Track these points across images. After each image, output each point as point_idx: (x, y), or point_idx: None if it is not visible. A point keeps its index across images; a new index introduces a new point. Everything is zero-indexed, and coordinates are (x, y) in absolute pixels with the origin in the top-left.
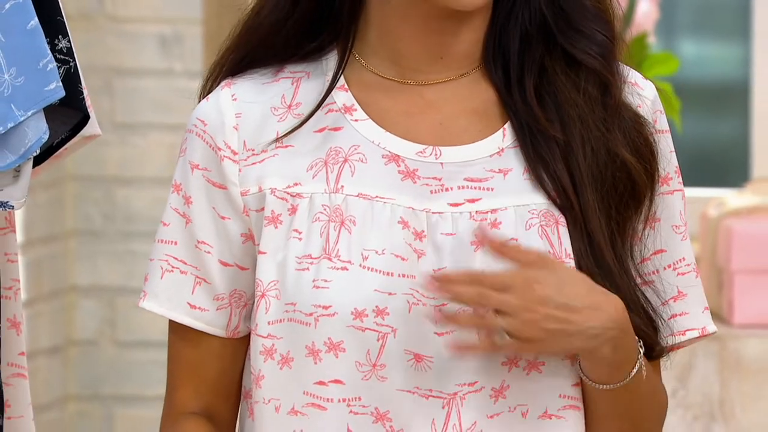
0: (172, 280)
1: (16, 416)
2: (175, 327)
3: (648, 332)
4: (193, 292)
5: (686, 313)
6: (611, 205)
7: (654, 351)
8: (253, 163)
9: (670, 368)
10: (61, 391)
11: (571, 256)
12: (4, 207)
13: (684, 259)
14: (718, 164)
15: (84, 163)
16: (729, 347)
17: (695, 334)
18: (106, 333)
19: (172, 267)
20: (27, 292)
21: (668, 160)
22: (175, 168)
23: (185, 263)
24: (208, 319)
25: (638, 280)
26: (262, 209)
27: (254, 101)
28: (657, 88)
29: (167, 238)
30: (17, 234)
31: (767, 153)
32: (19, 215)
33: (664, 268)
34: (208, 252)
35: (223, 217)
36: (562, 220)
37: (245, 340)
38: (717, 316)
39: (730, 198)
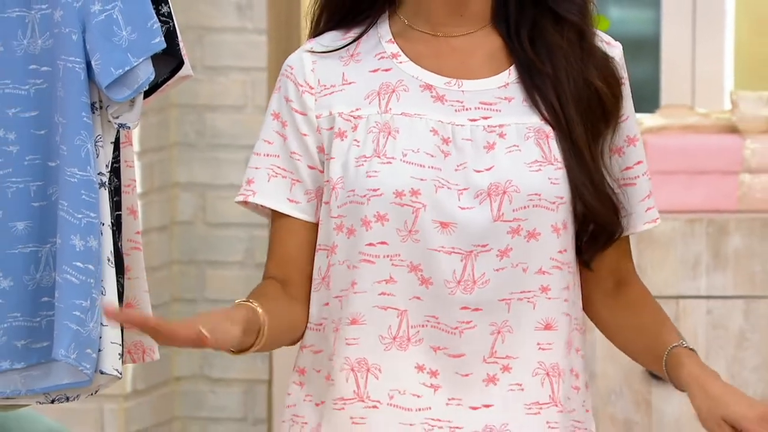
0: (277, 183)
1: (134, 277)
2: (276, 217)
3: (612, 218)
4: (290, 191)
5: (653, 207)
6: (588, 121)
7: (616, 234)
8: (325, 95)
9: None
10: (167, 257)
11: (559, 160)
12: (123, 127)
13: (647, 169)
14: (637, 95)
15: (182, 95)
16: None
17: (659, 221)
18: (199, 216)
19: (276, 173)
20: (141, 187)
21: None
22: (271, 101)
23: (285, 170)
24: (302, 208)
25: (623, 182)
26: (332, 128)
27: (326, 51)
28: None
29: (271, 152)
30: (134, 146)
31: (671, 89)
32: (135, 133)
33: (643, 174)
34: (299, 160)
35: (304, 134)
36: (552, 134)
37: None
38: None
39: (645, 120)
